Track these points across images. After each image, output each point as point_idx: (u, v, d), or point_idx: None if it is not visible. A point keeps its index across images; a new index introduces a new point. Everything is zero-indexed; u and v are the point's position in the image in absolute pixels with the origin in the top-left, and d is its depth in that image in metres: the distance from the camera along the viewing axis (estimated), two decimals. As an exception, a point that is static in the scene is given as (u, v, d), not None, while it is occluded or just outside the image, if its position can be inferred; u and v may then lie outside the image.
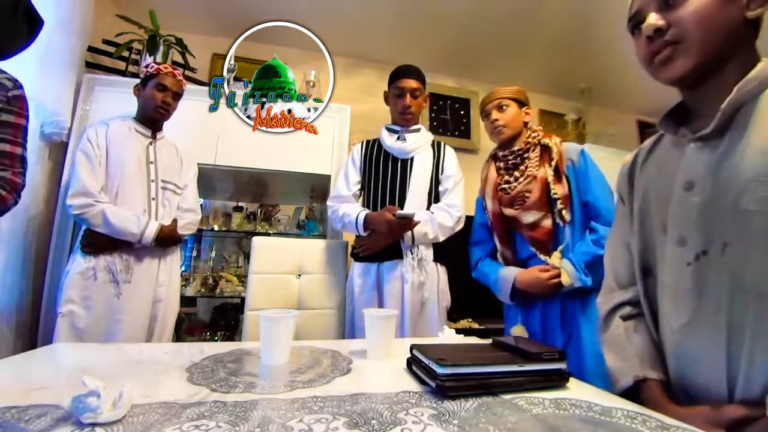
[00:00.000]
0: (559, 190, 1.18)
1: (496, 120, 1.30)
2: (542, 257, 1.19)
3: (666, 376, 0.64)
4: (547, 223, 1.19)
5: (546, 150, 1.25)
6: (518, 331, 1.21)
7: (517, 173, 1.28)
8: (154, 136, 1.55)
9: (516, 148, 1.29)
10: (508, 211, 1.25)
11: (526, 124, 1.33)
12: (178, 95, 1.53)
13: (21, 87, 1.04)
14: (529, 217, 1.20)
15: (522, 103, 1.32)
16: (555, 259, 1.17)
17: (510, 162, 1.30)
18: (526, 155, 1.28)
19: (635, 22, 0.67)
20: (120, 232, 1.36)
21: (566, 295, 1.16)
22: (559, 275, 1.14)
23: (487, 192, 1.34)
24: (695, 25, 0.59)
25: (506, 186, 1.29)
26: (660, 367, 0.65)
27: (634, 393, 0.65)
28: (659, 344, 0.67)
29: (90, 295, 1.34)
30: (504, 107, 1.30)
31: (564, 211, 1.17)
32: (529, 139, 1.28)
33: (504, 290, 1.24)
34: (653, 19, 0.62)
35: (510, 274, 1.23)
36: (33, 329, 1.59)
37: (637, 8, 0.66)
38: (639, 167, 0.75)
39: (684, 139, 0.64)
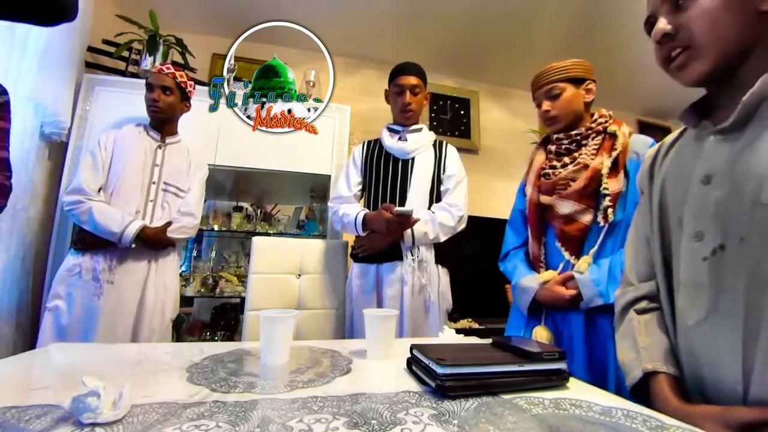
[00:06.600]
0: (612, 185, 1.00)
1: (547, 111, 1.12)
2: (569, 258, 1.05)
3: (680, 372, 0.62)
4: (586, 219, 1.03)
5: (610, 138, 1.07)
6: (541, 332, 1.06)
7: (567, 159, 1.11)
8: (163, 140, 1.55)
9: (574, 132, 1.11)
10: (545, 198, 1.10)
11: (588, 104, 1.13)
12: (167, 88, 1.50)
13: (6, 93, 1.04)
14: (565, 207, 1.05)
15: (580, 80, 1.12)
16: (583, 264, 1.02)
17: (563, 146, 1.12)
18: (584, 142, 1.10)
19: (650, 24, 0.66)
20: (102, 230, 1.35)
21: (592, 309, 0.99)
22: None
23: (529, 178, 1.19)
24: (704, 28, 0.57)
25: (550, 171, 1.12)
26: (673, 362, 0.63)
27: (647, 389, 0.64)
28: (674, 341, 0.65)
29: (73, 292, 1.34)
30: (556, 94, 1.11)
31: (610, 210, 0.99)
32: (593, 125, 1.10)
33: (522, 301, 1.10)
34: (662, 24, 0.61)
35: (531, 286, 1.08)
36: (33, 329, 1.59)
37: (650, 11, 0.65)
38: (660, 161, 0.73)
39: (704, 132, 0.63)
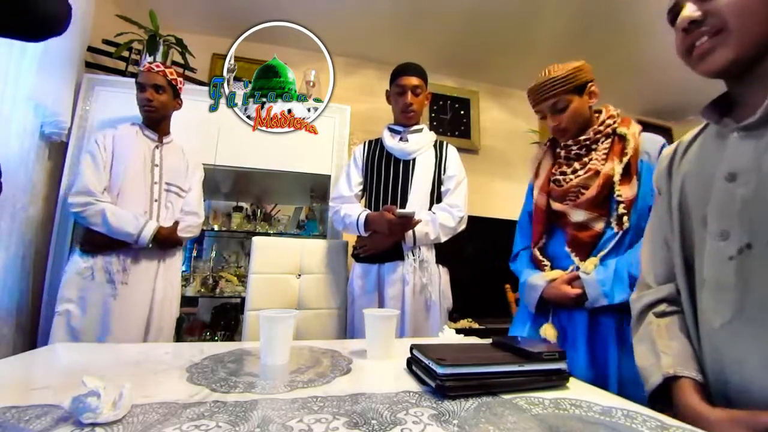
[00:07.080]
0: (625, 192, 0.98)
1: (557, 125, 1.09)
2: (576, 260, 1.05)
3: (703, 376, 0.60)
4: (599, 226, 1.02)
5: (620, 141, 1.04)
6: (548, 330, 1.05)
7: (577, 165, 1.08)
8: (160, 140, 1.55)
9: (583, 137, 1.07)
10: (557, 206, 1.09)
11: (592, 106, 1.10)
12: (159, 87, 1.49)
13: None
14: (578, 216, 1.04)
15: (582, 86, 1.07)
16: (590, 265, 1.02)
17: (573, 152, 1.10)
18: (594, 146, 1.07)
19: (673, 13, 0.65)
20: (117, 232, 1.36)
21: (597, 309, 0.99)
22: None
23: (537, 182, 1.18)
24: (734, 15, 0.56)
25: (560, 177, 1.11)
26: (696, 366, 0.61)
27: (667, 395, 0.61)
28: (697, 344, 0.63)
29: (86, 296, 1.34)
30: (563, 107, 1.06)
31: (625, 218, 0.98)
32: (601, 128, 1.06)
33: (530, 299, 1.10)
34: (689, 10, 0.60)
35: (538, 284, 1.08)
36: (33, 329, 1.59)
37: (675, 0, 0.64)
38: (678, 160, 0.72)
39: (727, 129, 0.61)
